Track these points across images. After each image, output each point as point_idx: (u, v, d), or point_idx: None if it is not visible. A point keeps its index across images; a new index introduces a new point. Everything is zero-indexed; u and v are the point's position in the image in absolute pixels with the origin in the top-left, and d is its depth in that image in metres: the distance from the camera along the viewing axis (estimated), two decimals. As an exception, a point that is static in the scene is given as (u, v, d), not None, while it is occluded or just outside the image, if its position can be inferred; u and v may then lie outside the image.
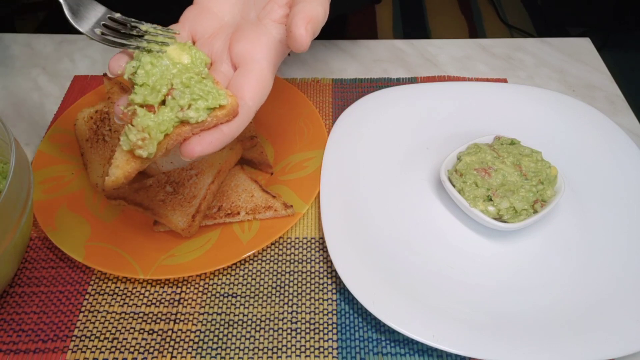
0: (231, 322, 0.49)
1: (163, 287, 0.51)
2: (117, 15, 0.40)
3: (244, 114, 0.39)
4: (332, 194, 0.55)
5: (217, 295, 0.51)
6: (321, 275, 0.52)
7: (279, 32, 0.41)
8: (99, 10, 0.39)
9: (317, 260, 0.54)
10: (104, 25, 0.39)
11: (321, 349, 0.47)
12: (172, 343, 0.48)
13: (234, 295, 0.51)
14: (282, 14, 0.41)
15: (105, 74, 0.65)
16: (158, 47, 0.38)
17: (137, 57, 0.38)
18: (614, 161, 0.59)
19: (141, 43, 0.39)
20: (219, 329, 0.49)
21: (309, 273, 0.53)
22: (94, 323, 0.49)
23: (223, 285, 0.52)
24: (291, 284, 0.52)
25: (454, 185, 0.55)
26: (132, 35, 0.39)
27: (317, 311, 0.50)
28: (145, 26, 0.40)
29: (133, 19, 0.40)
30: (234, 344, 0.48)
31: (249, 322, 0.49)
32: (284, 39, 0.41)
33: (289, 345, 0.48)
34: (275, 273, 0.53)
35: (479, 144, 0.57)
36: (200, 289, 0.51)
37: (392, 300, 0.48)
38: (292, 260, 0.54)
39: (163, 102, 0.38)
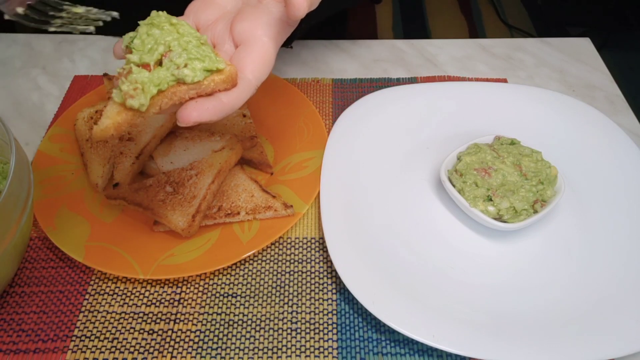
0: (231, 322, 0.49)
1: (163, 287, 0.51)
2: None
3: (243, 86, 0.39)
4: (332, 194, 0.55)
5: (217, 295, 0.51)
6: (321, 275, 0.52)
7: (279, 10, 0.42)
8: None
9: (317, 260, 0.54)
10: (29, 5, 0.38)
11: (321, 349, 0.47)
12: (172, 343, 0.48)
13: (234, 295, 0.51)
14: None
15: (105, 74, 0.65)
16: (84, 25, 0.38)
17: (137, 29, 0.39)
18: (614, 161, 0.59)
19: (67, 20, 0.38)
20: (219, 329, 0.49)
21: (309, 273, 0.53)
22: (94, 323, 0.49)
23: (223, 285, 0.52)
24: (291, 284, 0.52)
25: (454, 185, 0.55)
26: (61, 16, 0.39)
27: (317, 311, 0.50)
28: (79, 8, 0.39)
29: (67, 2, 0.39)
30: (234, 344, 0.48)
31: (249, 322, 0.49)
32: (284, 16, 0.41)
33: (289, 345, 0.48)
34: (275, 273, 0.53)
35: (479, 144, 0.57)
36: (200, 289, 0.51)
37: (392, 300, 0.48)
38: (292, 260, 0.54)
39: (160, 64, 0.38)
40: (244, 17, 0.42)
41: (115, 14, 0.41)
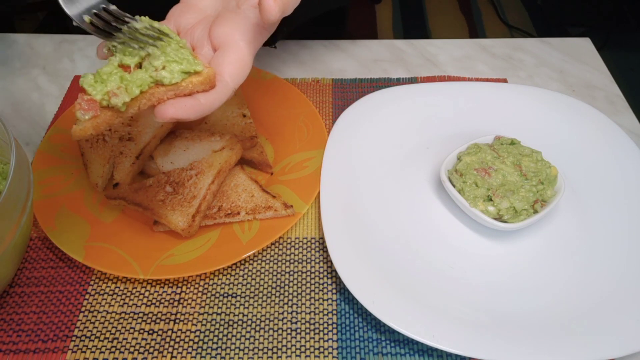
0: (231, 322, 0.49)
1: (163, 287, 0.51)
2: (113, 7, 0.40)
3: (221, 88, 0.40)
4: (332, 194, 0.55)
5: (217, 295, 0.51)
6: (321, 275, 0.52)
7: (255, 15, 0.43)
8: None
9: (317, 260, 0.54)
10: (95, 14, 0.39)
11: (321, 349, 0.47)
12: (172, 343, 0.48)
13: (234, 295, 0.51)
14: None
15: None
16: (144, 45, 0.39)
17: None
18: (614, 161, 0.59)
19: (128, 40, 0.39)
20: (218, 329, 0.49)
21: (309, 273, 0.53)
22: (94, 323, 0.49)
23: (223, 285, 0.52)
24: (291, 284, 0.52)
25: (454, 185, 0.55)
26: (121, 29, 0.40)
27: (317, 311, 0.50)
28: (139, 24, 0.40)
29: (128, 15, 0.40)
30: (234, 344, 0.48)
31: (249, 322, 0.49)
32: (260, 21, 0.42)
33: (289, 345, 0.48)
34: (275, 273, 0.53)
35: (479, 144, 0.57)
36: (200, 289, 0.51)
37: (392, 300, 0.48)
38: (292, 260, 0.54)
39: (140, 67, 0.39)
40: (222, 22, 0.43)
41: (172, 36, 0.41)
